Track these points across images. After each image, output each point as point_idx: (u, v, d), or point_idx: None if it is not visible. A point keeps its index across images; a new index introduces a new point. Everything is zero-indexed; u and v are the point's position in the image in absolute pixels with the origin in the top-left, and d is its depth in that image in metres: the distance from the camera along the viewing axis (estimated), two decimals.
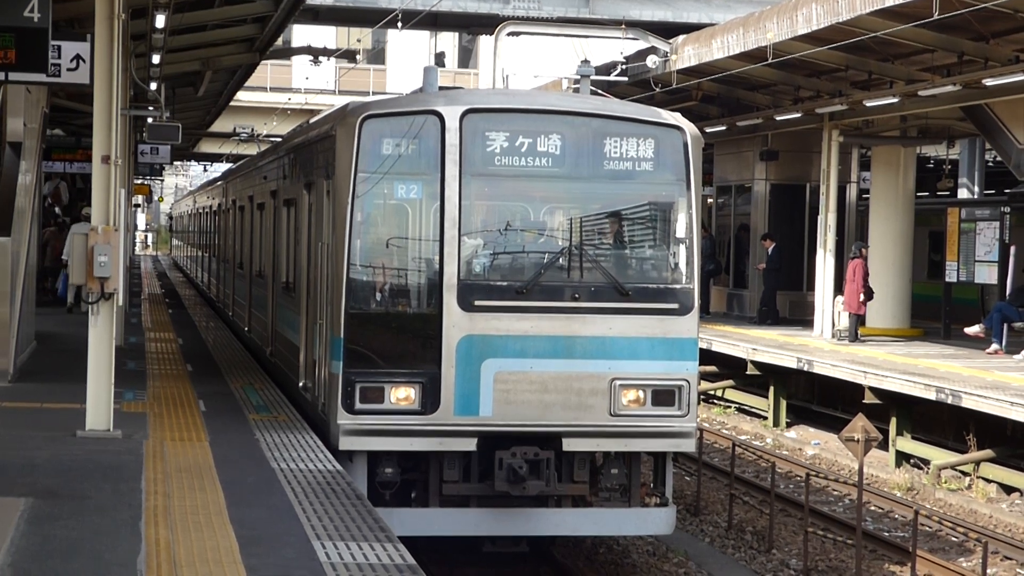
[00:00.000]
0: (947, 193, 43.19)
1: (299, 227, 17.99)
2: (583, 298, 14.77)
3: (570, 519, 15.01)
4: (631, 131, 15.08)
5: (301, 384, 17.20)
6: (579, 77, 21.08)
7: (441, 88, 16.17)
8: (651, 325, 14.89)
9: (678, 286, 15.10)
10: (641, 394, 14.81)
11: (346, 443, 14.46)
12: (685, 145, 15.11)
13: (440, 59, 69.02)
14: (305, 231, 17.36)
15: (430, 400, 14.48)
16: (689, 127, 15.28)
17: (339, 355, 14.58)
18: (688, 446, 15.32)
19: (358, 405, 14.50)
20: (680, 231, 15.13)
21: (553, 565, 16.25)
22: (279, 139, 32.83)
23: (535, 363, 14.60)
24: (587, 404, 14.67)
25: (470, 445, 14.52)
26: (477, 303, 14.56)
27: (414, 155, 14.66)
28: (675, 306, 14.98)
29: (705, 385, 30.03)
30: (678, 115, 15.49)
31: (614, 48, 31.08)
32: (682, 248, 15.11)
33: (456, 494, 14.75)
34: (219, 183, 37.61)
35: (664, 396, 14.85)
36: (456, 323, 14.51)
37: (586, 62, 24.56)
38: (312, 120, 20.43)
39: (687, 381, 14.93)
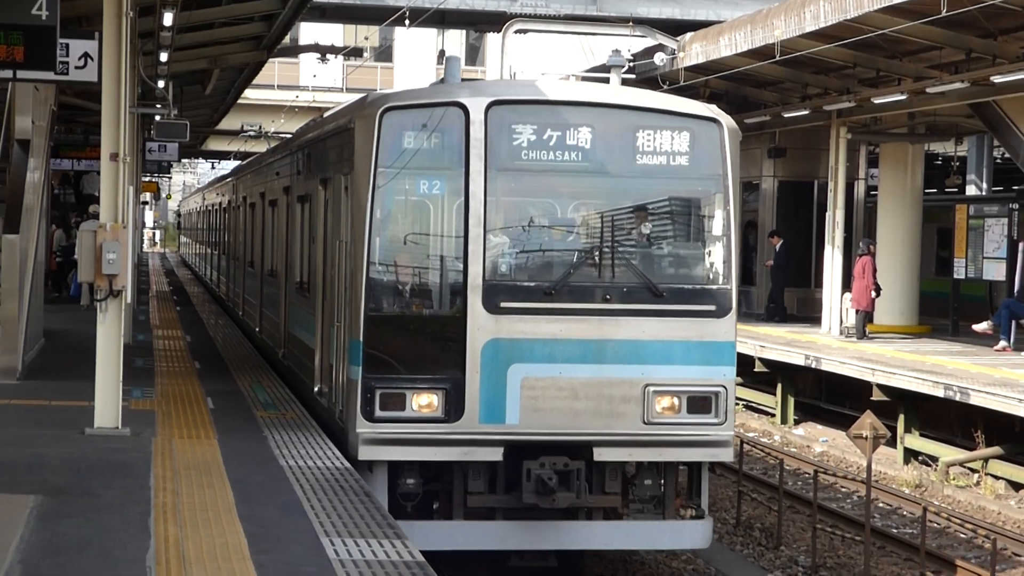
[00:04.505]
0: (955, 190, 43.24)
1: (314, 224, 17.43)
2: (615, 299, 14.07)
3: (601, 532, 14.31)
4: (665, 123, 14.32)
5: (316, 389, 16.66)
6: (610, 67, 19.94)
7: (464, 80, 15.61)
8: (686, 328, 14.15)
9: (715, 286, 14.37)
10: (676, 401, 14.07)
11: (365, 452, 13.78)
12: (722, 138, 14.39)
13: (442, 57, 69.03)
14: (321, 229, 16.79)
15: (454, 407, 13.76)
16: (726, 119, 14.59)
17: (358, 359, 13.91)
18: (726, 455, 14.60)
19: (378, 413, 13.78)
20: (717, 229, 14.42)
21: None
22: (287, 136, 32.84)
23: (564, 368, 13.88)
24: (619, 411, 13.94)
25: (496, 455, 13.82)
26: (503, 305, 13.85)
27: (437, 149, 13.98)
28: (712, 308, 14.24)
29: None
30: (714, 107, 14.84)
31: (622, 45, 31.04)
32: (719, 246, 14.41)
33: (481, 506, 14.05)
34: (229, 180, 37.53)
35: (700, 403, 14.11)
36: (481, 326, 13.81)
37: (616, 52, 24.12)
38: (327, 114, 19.83)
39: (724, 387, 14.20)
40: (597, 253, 14.31)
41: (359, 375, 13.83)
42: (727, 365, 14.26)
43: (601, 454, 13.95)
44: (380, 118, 13.83)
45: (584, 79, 28.00)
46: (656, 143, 14.25)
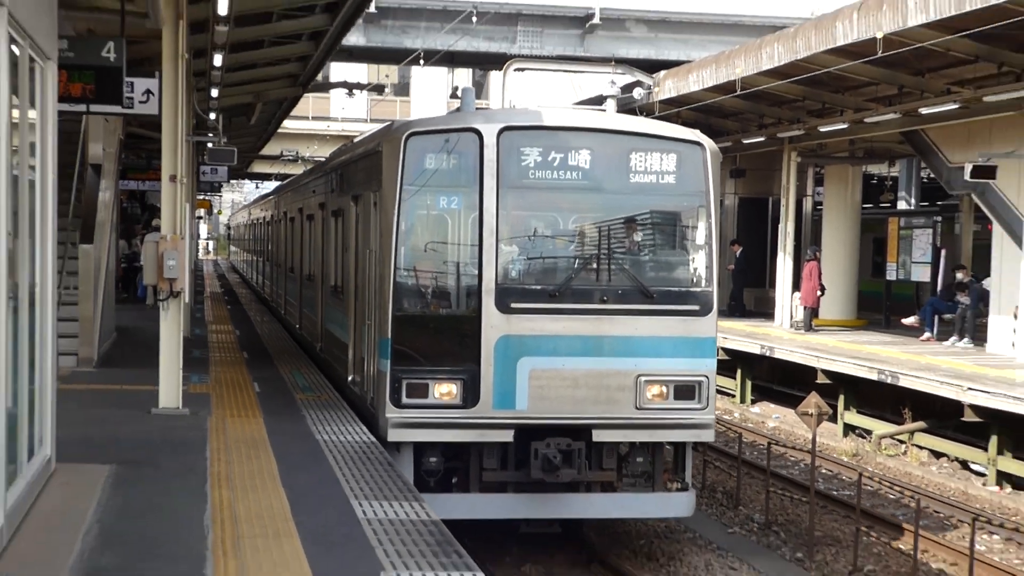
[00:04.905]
0: (888, 205, 43.22)
1: (347, 235, 17.22)
2: (611, 300, 13.93)
3: (599, 503, 14.25)
4: (655, 146, 14.16)
5: (350, 379, 16.46)
6: (607, 97, 19.64)
7: (477, 109, 15.41)
8: (674, 325, 14.00)
9: (698, 289, 14.21)
10: (664, 389, 13.95)
11: (394, 435, 13.65)
12: (705, 159, 14.23)
13: (454, 92, 68.89)
14: (352, 239, 16.57)
15: (471, 395, 13.65)
16: (708, 143, 14.40)
17: (387, 354, 13.77)
18: (708, 436, 14.36)
19: (405, 400, 13.67)
20: (700, 239, 14.28)
21: (581, 542, 15.41)
22: (321, 160, 32.85)
23: (567, 361, 13.76)
24: (615, 398, 13.83)
25: (507, 436, 13.72)
26: (513, 305, 13.72)
27: (454, 169, 13.80)
28: (696, 308, 14.10)
29: None
30: (698, 132, 14.63)
31: (605, 82, 31.08)
32: (702, 254, 14.27)
33: (495, 481, 13.96)
34: (271, 197, 37.44)
35: (685, 391, 14.00)
36: (494, 324, 13.67)
37: (613, 83, 23.97)
38: (356, 140, 19.41)
39: (706, 377, 14.06)
40: (595, 260, 14.18)
41: (388, 367, 13.73)
42: (709, 358, 14.13)
43: (599, 436, 13.86)
44: (405, 142, 13.70)
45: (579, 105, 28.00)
46: (647, 163, 14.13)
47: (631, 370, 13.87)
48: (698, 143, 14.32)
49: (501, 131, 13.80)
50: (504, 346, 13.66)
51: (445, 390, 13.67)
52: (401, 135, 13.76)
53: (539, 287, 13.91)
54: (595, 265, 14.14)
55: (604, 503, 14.26)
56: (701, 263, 14.28)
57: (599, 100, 30.00)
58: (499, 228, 13.75)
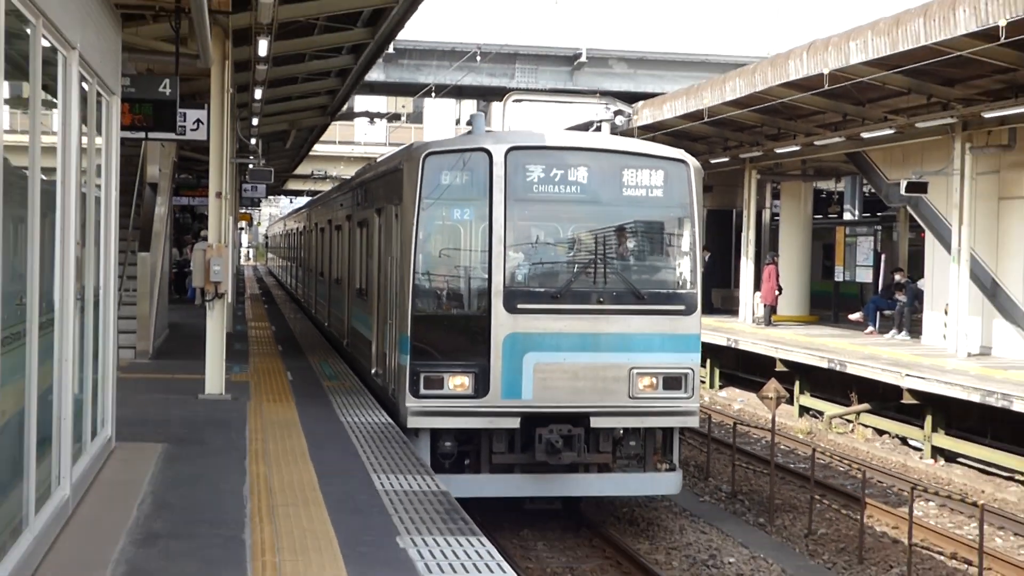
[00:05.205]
0: (835, 216, 43.18)
1: (370, 244, 16.94)
2: (606, 301, 13.62)
3: (596, 483, 13.96)
4: (645, 164, 13.90)
5: (373, 371, 16.13)
6: (601, 121, 19.12)
7: (487, 131, 15.12)
8: (662, 323, 13.72)
9: (684, 291, 13.88)
10: (654, 380, 13.66)
11: (413, 422, 13.33)
12: (689, 175, 13.93)
13: (459, 120, 68.92)
14: (376, 247, 16.29)
15: (481, 386, 13.34)
16: (692, 161, 14.09)
17: (406, 350, 13.44)
18: (693, 422, 14.00)
19: (422, 391, 13.35)
20: (685, 246, 13.99)
21: (579, 517, 15.10)
22: (346, 178, 32.85)
23: (567, 355, 13.46)
24: (610, 389, 13.55)
25: (514, 423, 13.42)
26: (519, 306, 13.42)
27: (467, 184, 13.53)
28: (682, 307, 13.81)
29: None
30: (682, 151, 14.32)
31: (591, 111, 31.11)
32: (687, 260, 13.96)
33: (503, 463, 13.65)
34: (303, 210, 37.40)
35: (673, 382, 13.72)
36: (502, 323, 13.37)
37: (608, 107, 23.69)
38: (379, 159, 19.16)
39: (692, 369, 13.77)
40: (592, 265, 13.88)
41: (408, 362, 13.44)
42: (694, 352, 13.84)
43: (597, 422, 13.61)
44: (423, 161, 13.47)
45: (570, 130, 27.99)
46: (638, 179, 13.89)
47: (624, 363, 13.62)
48: (683, 161, 14.07)
49: (509, 151, 13.59)
50: (511, 342, 13.40)
51: (459, 382, 13.38)
52: (420, 155, 13.56)
53: (542, 289, 13.63)
54: (592, 270, 13.86)
55: (601, 482, 14.01)
56: (686, 267, 13.98)
57: (587, 126, 30.04)
58: (507, 237, 13.52)
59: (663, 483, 14.25)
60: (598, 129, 17.22)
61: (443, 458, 13.62)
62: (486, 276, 13.48)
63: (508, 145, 13.65)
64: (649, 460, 14.15)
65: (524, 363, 13.42)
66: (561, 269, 13.91)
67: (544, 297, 13.56)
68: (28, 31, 7.01)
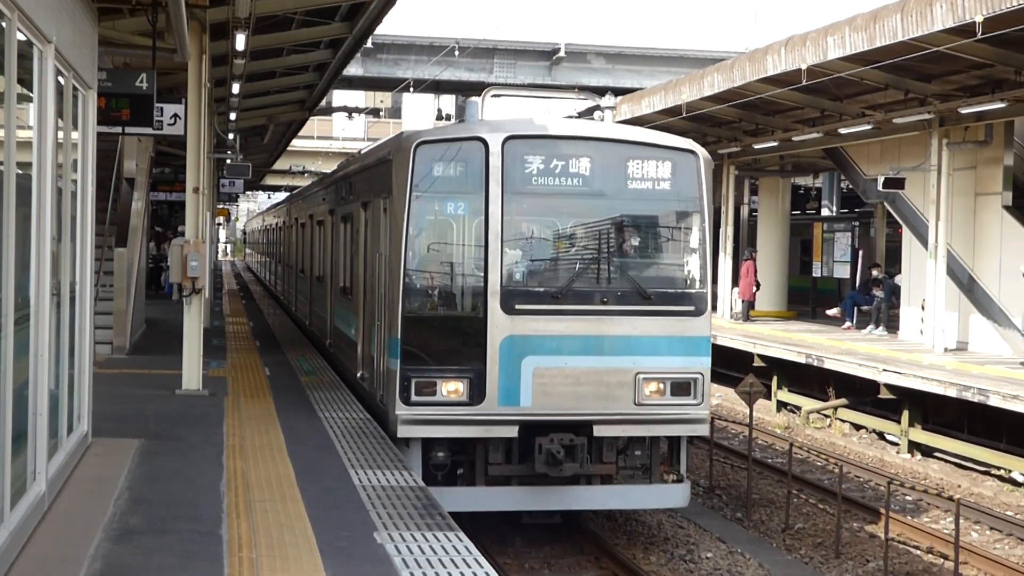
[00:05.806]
0: (813, 212, 43.31)
1: (356, 240, 15.92)
2: (611, 302, 12.70)
3: (599, 495, 13.10)
4: (651, 155, 12.97)
5: (359, 374, 15.21)
6: (604, 109, 18.49)
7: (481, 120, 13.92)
8: (670, 325, 12.79)
9: (693, 291, 12.97)
10: (661, 386, 12.74)
11: (403, 431, 12.41)
12: (698, 167, 13.04)
13: (439, 115, 68.88)
14: (361, 243, 15.30)
15: (477, 393, 12.41)
16: (702, 151, 13.20)
17: (396, 353, 12.53)
18: (702, 430, 13.16)
19: (414, 398, 12.42)
20: (694, 242, 13.05)
21: (582, 532, 14.42)
22: (325, 173, 32.72)
23: (569, 359, 12.54)
24: (614, 395, 12.63)
25: (512, 432, 12.52)
26: (517, 307, 12.51)
27: (461, 176, 12.59)
28: (691, 308, 12.90)
29: None
30: (691, 141, 13.40)
31: (569, 106, 31.08)
32: (696, 257, 13.03)
33: (500, 475, 12.77)
34: (282, 205, 36.95)
35: (681, 388, 12.82)
36: (499, 324, 12.44)
37: (606, 96, 23.46)
38: (364, 150, 18.16)
39: (701, 374, 12.84)
40: (596, 263, 12.93)
41: (398, 366, 12.50)
42: (704, 356, 12.91)
43: (600, 431, 12.72)
44: (414, 151, 12.52)
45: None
46: (644, 171, 12.97)
47: (630, 368, 12.71)
48: (692, 151, 13.15)
49: (506, 140, 12.65)
50: (509, 346, 12.49)
51: (452, 388, 12.48)
52: (411, 144, 12.65)
53: (542, 289, 12.74)
54: (595, 268, 12.93)
55: (604, 495, 13.20)
56: (695, 265, 13.08)
57: (590, 112, 29.91)
58: (504, 232, 12.58)
59: (670, 495, 13.42)
60: (597, 117, 16.64)
61: (436, 469, 12.83)
62: (482, 275, 12.60)
63: (505, 134, 12.73)
64: (655, 471, 13.41)
65: (522, 368, 12.54)
66: (562, 267, 13.02)
67: (544, 297, 12.72)
68: (3, 25, 6.98)
